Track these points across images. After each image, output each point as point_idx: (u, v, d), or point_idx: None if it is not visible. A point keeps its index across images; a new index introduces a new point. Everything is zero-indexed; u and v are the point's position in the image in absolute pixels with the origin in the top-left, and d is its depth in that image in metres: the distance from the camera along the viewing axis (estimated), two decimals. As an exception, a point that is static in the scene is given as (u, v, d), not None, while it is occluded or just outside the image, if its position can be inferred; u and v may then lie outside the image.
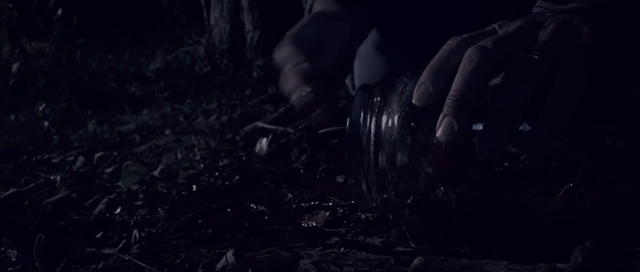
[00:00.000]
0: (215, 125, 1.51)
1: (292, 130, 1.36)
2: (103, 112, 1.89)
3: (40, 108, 1.72)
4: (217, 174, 1.07)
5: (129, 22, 2.72)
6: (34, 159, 1.46)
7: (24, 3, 2.19)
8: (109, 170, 1.25)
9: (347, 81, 1.49)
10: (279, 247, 0.73)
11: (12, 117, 1.82)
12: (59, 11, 2.33)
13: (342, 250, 0.71)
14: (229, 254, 0.69)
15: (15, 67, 2.10)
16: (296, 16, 2.10)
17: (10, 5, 2.25)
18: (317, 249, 0.72)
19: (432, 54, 0.67)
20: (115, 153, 1.38)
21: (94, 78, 2.22)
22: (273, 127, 1.41)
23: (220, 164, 1.10)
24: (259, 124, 1.44)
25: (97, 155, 1.36)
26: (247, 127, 1.44)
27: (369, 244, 0.73)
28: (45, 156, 1.42)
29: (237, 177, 1.00)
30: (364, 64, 1.37)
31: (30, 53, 2.21)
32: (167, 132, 1.48)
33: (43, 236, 0.68)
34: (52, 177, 1.15)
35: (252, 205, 0.91)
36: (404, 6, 1.20)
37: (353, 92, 1.43)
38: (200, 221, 0.85)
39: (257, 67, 2.03)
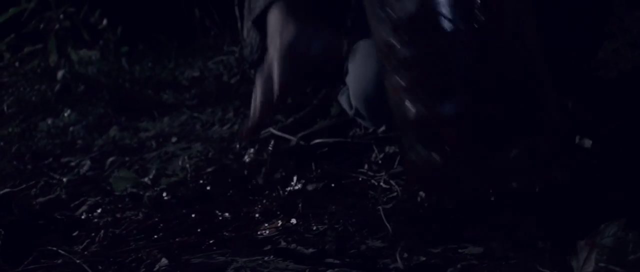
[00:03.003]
0: (225, 133, 1.59)
1: (294, 139, 1.42)
2: (135, 118, 2.01)
3: (66, 114, 1.86)
4: (201, 181, 1.14)
5: (175, 30, 2.86)
6: (60, 161, 1.59)
7: (72, 14, 2.36)
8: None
9: (342, 99, 1.53)
10: (215, 252, 0.79)
11: (49, 121, 1.98)
12: (105, 21, 2.50)
13: (271, 258, 0.76)
14: (164, 259, 0.76)
15: (60, 74, 2.27)
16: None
17: (62, 16, 2.43)
18: (251, 258, 0.77)
19: None
20: (127, 158, 1.48)
21: (134, 85, 2.36)
22: (281, 134, 1.47)
23: (207, 171, 1.17)
24: (272, 130, 1.51)
25: (109, 159, 1.46)
26: (260, 134, 1.51)
27: (300, 253, 0.78)
28: (66, 159, 1.54)
29: (209, 187, 1.07)
30: (357, 80, 1.41)
31: (75, 61, 2.38)
32: (174, 139, 1.57)
33: (3, 232, 0.77)
34: (55, 180, 1.26)
35: (218, 212, 0.98)
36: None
37: (350, 112, 1.47)
38: (161, 225, 0.92)
39: (283, 77, 2.10)
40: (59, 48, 2.35)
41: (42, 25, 2.35)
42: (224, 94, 2.02)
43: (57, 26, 2.35)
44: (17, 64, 2.60)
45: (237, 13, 2.43)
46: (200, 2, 2.40)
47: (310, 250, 0.79)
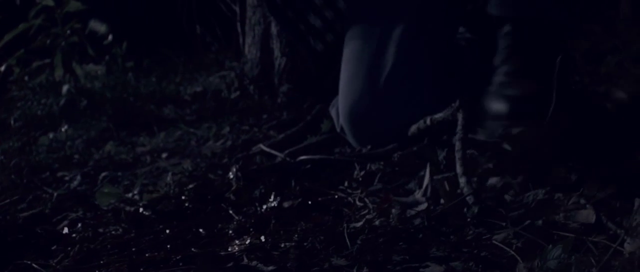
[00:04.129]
0: (218, 149, 1.62)
1: (281, 155, 1.44)
2: (135, 133, 2.05)
3: (68, 129, 1.91)
4: (183, 197, 1.17)
5: (182, 45, 2.91)
6: (56, 175, 1.63)
7: (78, 29, 2.42)
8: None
9: (332, 112, 1.55)
10: (179, 268, 0.81)
11: (51, 135, 2.03)
12: (110, 37, 2.56)
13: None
14: (127, 272, 0.79)
15: (65, 89, 2.32)
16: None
17: (69, 31, 2.50)
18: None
19: None
20: (119, 173, 1.52)
21: (138, 100, 2.41)
22: (269, 150, 1.50)
23: (189, 187, 1.20)
24: (262, 146, 1.54)
25: (102, 174, 1.50)
26: (250, 150, 1.54)
27: (260, 271, 0.80)
28: (61, 173, 1.59)
29: (189, 203, 1.10)
30: (345, 94, 1.43)
31: (80, 76, 2.44)
32: (164, 155, 1.60)
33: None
34: (46, 194, 1.30)
35: (193, 228, 1.01)
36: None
37: (337, 126, 1.49)
38: (135, 240, 0.95)
39: (282, 93, 2.14)
40: (65, 63, 2.41)
41: (48, 41, 2.41)
42: (222, 110, 2.05)
43: (63, 42, 2.41)
44: (26, 78, 2.66)
45: (239, 29, 2.47)
46: (202, 17, 2.45)
47: (271, 267, 0.81)
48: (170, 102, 2.35)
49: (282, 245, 0.91)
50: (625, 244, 0.69)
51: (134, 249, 0.92)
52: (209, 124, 1.88)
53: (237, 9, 2.44)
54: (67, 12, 2.40)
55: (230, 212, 1.07)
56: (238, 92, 2.28)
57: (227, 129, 1.81)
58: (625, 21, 3.03)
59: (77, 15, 2.43)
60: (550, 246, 0.66)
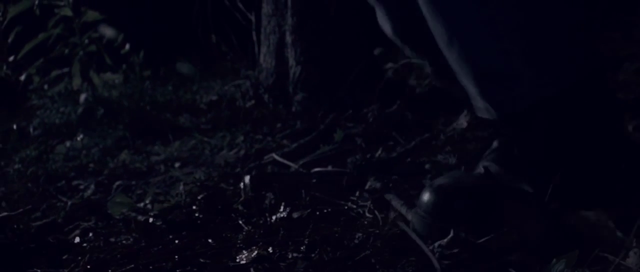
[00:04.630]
0: (231, 158, 1.63)
1: (294, 165, 1.45)
2: (151, 142, 2.08)
3: (84, 138, 1.94)
4: (194, 207, 1.18)
5: (200, 54, 2.94)
6: (71, 184, 1.66)
7: (95, 39, 2.46)
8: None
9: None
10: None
11: (68, 143, 2.06)
12: (127, 46, 2.59)
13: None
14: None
15: (82, 97, 2.36)
16: (335, 53, 2.19)
17: (87, 41, 2.54)
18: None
19: None
20: (133, 182, 1.54)
21: (154, 109, 2.44)
22: (282, 160, 1.51)
23: (200, 197, 1.21)
24: (274, 156, 1.55)
25: (116, 183, 1.52)
26: (263, 160, 1.56)
27: (266, 282, 0.81)
28: (76, 182, 1.61)
29: (199, 213, 1.11)
30: None
31: (98, 85, 2.48)
32: (177, 164, 1.62)
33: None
34: (61, 203, 1.32)
35: (202, 238, 1.02)
36: None
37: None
38: (144, 250, 0.96)
39: (296, 102, 2.15)
40: (83, 72, 2.45)
41: (67, 50, 2.46)
42: (237, 119, 2.07)
43: (81, 51, 2.45)
44: (45, 87, 2.71)
45: (254, 38, 2.48)
46: (218, 27, 2.47)
47: (277, 278, 0.82)
48: (186, 110, 2.38)
49: (290, 256, 0.91)
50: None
51: (143, 260, 0.93)
52: (223, 133, 1.89)
53: (252, 18, 2.46)
54: (85, 21, 2.44)
55: (240, 222, 1.08)
56: (253, 101, 2.30)
57: (241, 138, 1.83)
58: (645, 28, 2.96)
59: (95, 25, 2.47)
60: (554, 260, 0.66)
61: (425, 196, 0.89)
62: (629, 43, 2.69)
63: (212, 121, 2.18)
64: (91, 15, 2.37)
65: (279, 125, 1.94)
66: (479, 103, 0.91)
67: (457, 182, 0.90)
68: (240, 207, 1.15)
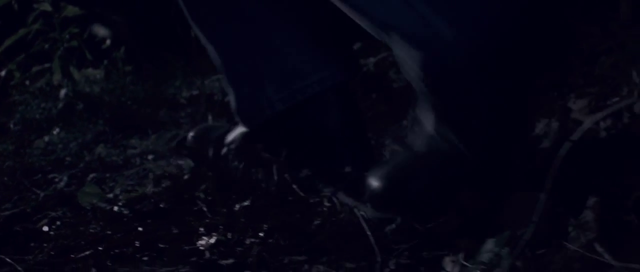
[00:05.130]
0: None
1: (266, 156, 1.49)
2: (129, 136, 2.11)
3: (55, 132, 1.97)
4: (162, 197, 1.22)
5: (183, 48, 2.97)
6: (47, 177, 1.69)
7: (76, 34, 2.49)
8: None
9: None
10: (144, 263, 0.86)
11: (46, 138, 2.09)
12: (108, 41, 2.62)
13: (187, 269, 0.83)
14: (93, 269, 0.84)
15: (62, 93, 2.39)
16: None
17: (67, 36, 2.57)
18: (171, 268, 0.84)
19: None
20: (108, 174, 1.57)
21: (134, 104, 2.47)
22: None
23: (170, 187, 1.25)
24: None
25: (90, 175, 1.56)
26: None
27: (220, 265, 0.85)
28: (52, 175, 1.64)
29: (165, 203, 1.15)
30: None
31: (78, 80, 2.51)
32: (150, 156, 1.66)
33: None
34: (33, 195, 1.36)
35: (166, 226, 1.06)
36: None
37: None
38: (108, 237, 1.00)
39: (274, 96, 2.18)
40: (63, 67, 2.48)
41: (47, 46, 2.48)
42: (214, 113, 2.11)
43: (61, 46, 2.48)
44: (27, 82, 2.74)
45: (234, 33, 2.52)
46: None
47: (231, 261, 0.86)
48: (166, 105, 2.41)
49: (247, 241, 0.96)
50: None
51: (105, 246, 0.97)
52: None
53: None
54: (65, 16, 2.47)
55: (204, 210, 1.12)
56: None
57: (217, 131, 1.86)
58: (624, 22, 3.05)
59: (75, 20, 2.50)
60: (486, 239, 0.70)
61: (371, 186, 0.93)
62: (607, 38, 2.74)
63: (191, 115, 2.21)
64: (71, 10, 2.40)
65: (255, 118, 1.98)
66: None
67: (402, 168, 0.94)
68: (208, 197, 1.19)
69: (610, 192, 0.90)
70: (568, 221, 0.84)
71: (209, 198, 1.19)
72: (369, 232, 0.89)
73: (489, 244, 0.68)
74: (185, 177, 1.31)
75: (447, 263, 0.73)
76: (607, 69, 2.42)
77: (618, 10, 3.15)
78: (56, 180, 1.61)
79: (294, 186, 1.18)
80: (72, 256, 0.93)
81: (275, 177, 1.19)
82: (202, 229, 1.03)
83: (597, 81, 2.16)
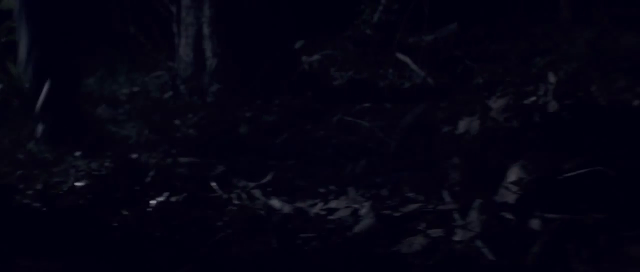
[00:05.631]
0: (136, 148, 1.70)
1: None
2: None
3: (-5, 129, 1.98)
4: (82, 193, 1.26)
5: (128, 45, 2.98)
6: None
7: (14, 29, 2.48)
8: (20, 186, 1.46)
9: None
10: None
11: (-20, 134, 2.09)
12: (47, 36, 2.61)
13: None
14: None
15: (-2, 88, 2.38)
16: (250, 45, 2.27)
17: (5, 31, 2.55)
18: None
19: None
20: (36, 171, 1.59)
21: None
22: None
23: (93, 184, 1.29)
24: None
25: (18, 172, 1.57)
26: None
27: (126, 258, 0.89)
28: (-21, 171, 1.65)
29: (82, 200, 1.19)
30: None
31: (15, 76, 2.50)
32: (77, 153, 1.68)
33: None
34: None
35: (80, 220, 1.09)
36: None
37: None
38: (18, 229, 1.03)
39: (211, 93, 2.22)
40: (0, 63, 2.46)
41: (-17, 41, 2.46)
42: (152, 110, 2.13)
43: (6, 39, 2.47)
44: (-35, 78, 2.70)
45: (175, 30, 2.54)
46: (139, 18, 2.52)
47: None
48: (105, 102, 2.42)
49: (158, 235, 1.00)
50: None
51: (12, 237, 1.00)
52: (133, 124, 1.95)
53: (174, 9, 2.52)
54: (0, 10, 2.45)
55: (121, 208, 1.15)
56: (171, 92, 2.36)
57: (147, 131, 1.89)
58: (564, 24, 3.16)
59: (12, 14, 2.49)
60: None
61: None
62: (546, 38, 2.85)
63: (128, 112, 2.23)
64: (6, 3, 2.38)
65: (190, 115, 2.01)
66: None
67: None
68: (126, 194, 1.22)
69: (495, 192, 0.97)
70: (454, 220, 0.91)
71: (127, 195, 1.23)
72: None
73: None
74: (107, 174, 1.34)
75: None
76: (543, 68, 2.53)
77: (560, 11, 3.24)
78: (-19, 176, 1.62)
79: (212, 183, 1.23)
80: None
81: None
82: (116, 225, 1.07)
83: (532, 80, 2.26)
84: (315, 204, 1.06)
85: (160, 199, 1.16)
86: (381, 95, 2.16)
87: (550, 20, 2.98)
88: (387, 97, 2.11)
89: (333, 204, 1.04)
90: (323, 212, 1.03)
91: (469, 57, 2.64)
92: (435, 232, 0.87)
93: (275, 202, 1.08)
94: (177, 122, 1.98)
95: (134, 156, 1.52)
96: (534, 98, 1.74)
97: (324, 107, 2.00)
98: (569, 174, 0.96)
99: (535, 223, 0.88)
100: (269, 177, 1.21)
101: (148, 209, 1.13)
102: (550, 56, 2.49)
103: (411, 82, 2.43)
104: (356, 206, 1.01)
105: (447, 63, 2.60)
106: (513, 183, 0.95)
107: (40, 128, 1.79)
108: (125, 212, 1.13)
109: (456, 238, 0.85)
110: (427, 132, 1.44)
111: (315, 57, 2.67)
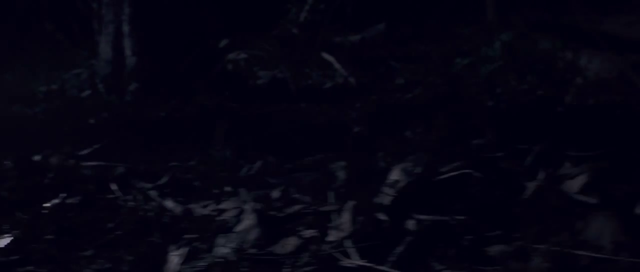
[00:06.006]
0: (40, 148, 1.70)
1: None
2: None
3: None
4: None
5: (48, 40, 2.93)
6: None
7: None
8: None
9: None
10: None
11: None
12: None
13: None
14: None
15: None
16: (170, 44, 2.27)
17: None
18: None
19: None
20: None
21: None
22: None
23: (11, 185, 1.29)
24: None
25: None
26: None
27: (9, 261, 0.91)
28: None
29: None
30: None
31: None
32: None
33: None
34: None
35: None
36: None
37: None
38: None
39: (130, 92, 2.22)
40: None
41: None
42: (67, 109, 2.12)
43: None
44: None
45: (95, 27, 2.52)
46: (57, 14, 2.49)
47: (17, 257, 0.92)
48: (21, 100, 2.39)
49: (49, 236, 1.02)
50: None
51: None
52: (45, 123, 1.95)
53: (95, 6, 2.50)
54: None
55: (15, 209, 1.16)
56: (89, 91, 2.34)
57: (62, 128, 1.88)
58: (490, 25, 3.26)
59: None
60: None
61: None
62: (469, 40, 2.95)
63: (45, 111, 2.21)
64: None
65: (105, 114, 2.01)
66: None
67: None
68: (20, 196, 1.23)
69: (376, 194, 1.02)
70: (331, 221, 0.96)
71: (23, 196, 1.23)
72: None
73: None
74: (6, 176, 1.35)
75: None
76: (462, 69, 2.63)
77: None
78: None
79: (112, 185, 1.25)
80: None
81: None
82: (7, 226, 1.08)
83: (452, 80, 2.36)
84: (208, 205, 1.10)
85: (56, 201, 1.18)
86: (300, 95, 2.20)
87: (476, 21, 3.09)
88: (305, 97, 2.15)
89: (223, 205, 1.08)
90: (214, 213, 1.07)
91: (393, 57, 2.70)
92: (310, 232, 0.92)
93: (169, 203, 1.12)
94: (91, 121, 1.98)
95: (37, 157, 1.51)
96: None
97: (239, 106, 2.03)
98: (443, 177, 1.03)
99: (410, 224, 0.94)
100: (166, 179, 1.24)
101: (43, 212, 1.14)
102: (470, 57, 2.58)
103: (333, 82, 2.48)
104: (245, 206, 1.05)
105: (371, 63, 2.67)
106: (391, 185, 1.01)
107: None
108: (18, 214, 1.14)
109: (329, 239, 0.91)
110: (330, 135, 1.49)
111: (241, 55, 2.70)
